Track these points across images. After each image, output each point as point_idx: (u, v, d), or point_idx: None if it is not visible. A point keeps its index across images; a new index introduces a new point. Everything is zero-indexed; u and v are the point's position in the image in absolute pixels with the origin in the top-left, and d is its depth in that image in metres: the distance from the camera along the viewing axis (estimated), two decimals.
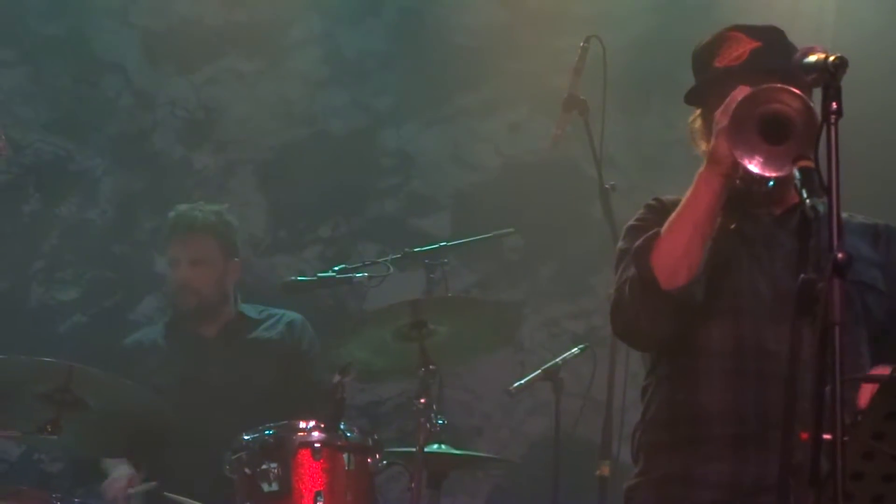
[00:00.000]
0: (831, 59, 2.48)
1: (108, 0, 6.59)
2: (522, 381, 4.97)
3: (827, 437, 2.25)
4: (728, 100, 2.87)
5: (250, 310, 5.50)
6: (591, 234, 6.00)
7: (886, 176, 5.87)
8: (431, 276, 5.22)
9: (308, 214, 6.54)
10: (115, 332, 5.82)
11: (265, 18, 6.60)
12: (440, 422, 4.60)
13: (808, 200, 2.44)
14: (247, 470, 4.46)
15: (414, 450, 4.50)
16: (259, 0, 6.60)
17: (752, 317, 3.01)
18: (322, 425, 4.53)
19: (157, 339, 5.50)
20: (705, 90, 3.13)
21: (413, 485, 4.51)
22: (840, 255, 2.29)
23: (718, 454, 2.99)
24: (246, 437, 4.52)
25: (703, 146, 3.13)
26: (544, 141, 5.23)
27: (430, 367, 4.56)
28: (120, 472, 5.05)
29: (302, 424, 4.55)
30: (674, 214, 2.95)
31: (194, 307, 5.36)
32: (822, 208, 2.40)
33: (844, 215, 2.57)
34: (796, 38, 3.16)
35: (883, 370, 2.87)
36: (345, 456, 4.48)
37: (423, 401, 4.51)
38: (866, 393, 2.71)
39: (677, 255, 2.91)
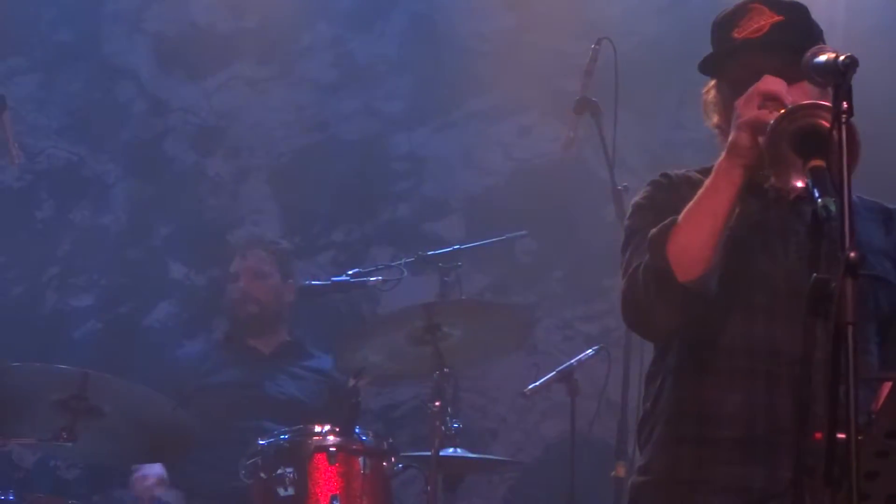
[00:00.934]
0: (841, 58, 2.47)
1: (121, 7, 6.61)
2: (537, 384, 4.96)
3: (841, 436, 2.25)
4: (751, 90, 2.78)
5: (302, 340, 5.71)
6: (603, 236, 5.96)
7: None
8: (445, 279, 5.22)
9: (321, 219, 6.55)
10: (130, 338, 5.83)
11: (276, 25, 6.61)
12: (455, 425, 4.61)
13: (819, 200, 2.43)
14: (262, 475, 4.47)
15: (429, 453, 4.51)
16: (270, 7, 6.61)
17: (765, 315, 2.97)
18: (337, 429, 4.54)
19: (210, 350, 5.76)
20: (722, 60, 3.04)
21: (429, 488, 4.52)
22: (852, 255, 2.29)
23: (727, 457, 2.95)
24: (261, 442, 4.53)
25: (714, 119, 3.07)
26: (555, 144, 5.24)
27: (445, 370, 4.57)
28: (150, 470, 5.08)
29: (317, 429, 4.56)
30: (691, 203, 2.89)
31: (254, 316, 5.54)
32: (833, 208, 2.39)
33: (855, 198, 2.53)
34: None
35: None
36: (360, 460, 4.50)
37: (437, 404, 4.52)
38: (881, 392, 2.70)
39: (695, 246, 2.85)
